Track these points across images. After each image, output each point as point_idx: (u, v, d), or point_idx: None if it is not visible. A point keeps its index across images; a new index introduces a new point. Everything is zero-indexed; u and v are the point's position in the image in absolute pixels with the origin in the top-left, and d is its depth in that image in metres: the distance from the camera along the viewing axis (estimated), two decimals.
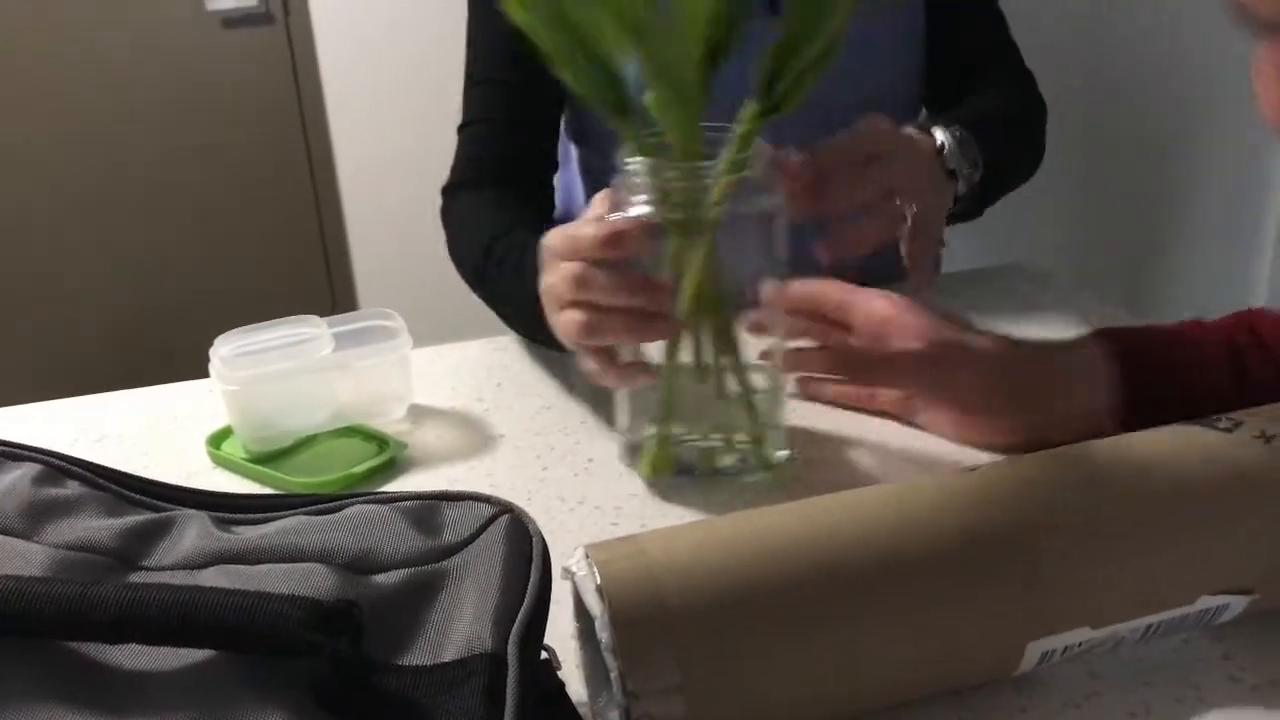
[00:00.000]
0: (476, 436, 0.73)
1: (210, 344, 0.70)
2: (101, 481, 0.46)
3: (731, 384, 0.62)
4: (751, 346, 0.63)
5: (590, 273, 0.58)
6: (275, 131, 2.64)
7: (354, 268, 2.78)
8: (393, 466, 0.69)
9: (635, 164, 0.59)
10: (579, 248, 0.59)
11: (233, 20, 2.53)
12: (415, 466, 0.69)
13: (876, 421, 0.71)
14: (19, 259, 2.61)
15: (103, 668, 0.37)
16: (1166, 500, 0.46)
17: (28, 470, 0.46)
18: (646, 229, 0.58)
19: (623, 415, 0.66)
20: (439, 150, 2.93)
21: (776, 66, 0.56)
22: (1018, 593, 0.44)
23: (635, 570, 0.42)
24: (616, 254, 0.58)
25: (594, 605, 0.41)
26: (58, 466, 0.47)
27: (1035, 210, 1.37)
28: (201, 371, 0.82)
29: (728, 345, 0.61)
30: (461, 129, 0.96)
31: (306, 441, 0.72)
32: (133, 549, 0.43)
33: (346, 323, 0.74)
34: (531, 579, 0.41)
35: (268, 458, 0.70)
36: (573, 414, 0.75)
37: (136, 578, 0.41)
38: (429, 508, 0.45)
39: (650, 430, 0.63)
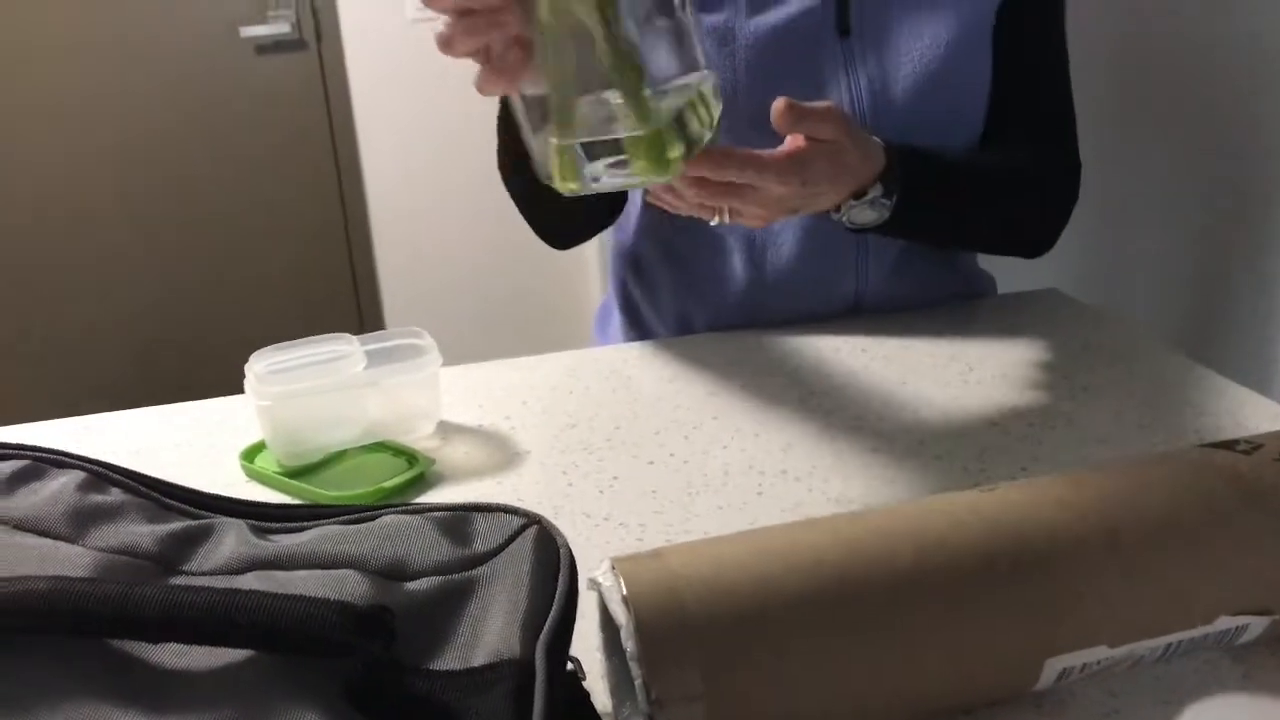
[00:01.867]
0: (503, 453, 0.74)
1: (237, 362, 0.72)
2: (143, 489, 0.48)
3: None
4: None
5: None
6: (306, 154, 2.68)
7: (381, 288, 2.81)
8: (421, 481, 0.70)
9: None
10: None
11: (266, 46, 2.58)
12: (443, 482, 0.70)
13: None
14: (51, 277, 2.66)
15: (146, 666, 0.38)
16: (1186, 521, 0.47)
17: (72, 477, 0.47)
18: None
19: (532, 141, 0.62)
20: (466, 175, 2.97)
21: None
22: (1037, 610, 0.44)
23: (660, 581, 0.43)
24: None
25: (620, 614, 0.42)
26: (101, 474, 0.48)
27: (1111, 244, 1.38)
28: (228, 389, 0.84)
29: (616, 26, 0.56)
30: None
31: (337, 456, 0.73)
32: (173, 554, 0.44)
33: (378, 341, 0.75)
34: (559, 588, 0.42)
35: (299, 472, 0.71)
36: (597, 432, 0.76)
37: (177, 582, 0.43)
38: (459, 518, 0.46)
39: (553, 138, 0.59)
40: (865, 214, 0.79)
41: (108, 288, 2.68)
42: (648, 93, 0.57)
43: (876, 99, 0.86)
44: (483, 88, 0.60)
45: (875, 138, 0.78)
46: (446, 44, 0.59)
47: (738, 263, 0.93)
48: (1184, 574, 0.46)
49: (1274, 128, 1.42)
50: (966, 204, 0.87)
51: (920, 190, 0.80)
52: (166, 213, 2.64)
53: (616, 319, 1.07)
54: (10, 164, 2.54)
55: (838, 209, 0.79)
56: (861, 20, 0.86)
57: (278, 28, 2.55)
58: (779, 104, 0.68)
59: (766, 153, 0.68)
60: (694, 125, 0.61)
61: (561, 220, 0.95)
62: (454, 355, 0.89)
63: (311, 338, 0.74)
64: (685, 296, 0.98)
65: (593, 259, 2.64)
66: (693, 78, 0.60)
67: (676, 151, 0.59)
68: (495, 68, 0.59)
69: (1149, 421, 0.73)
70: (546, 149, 0.60)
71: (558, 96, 0.58)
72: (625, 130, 0.58)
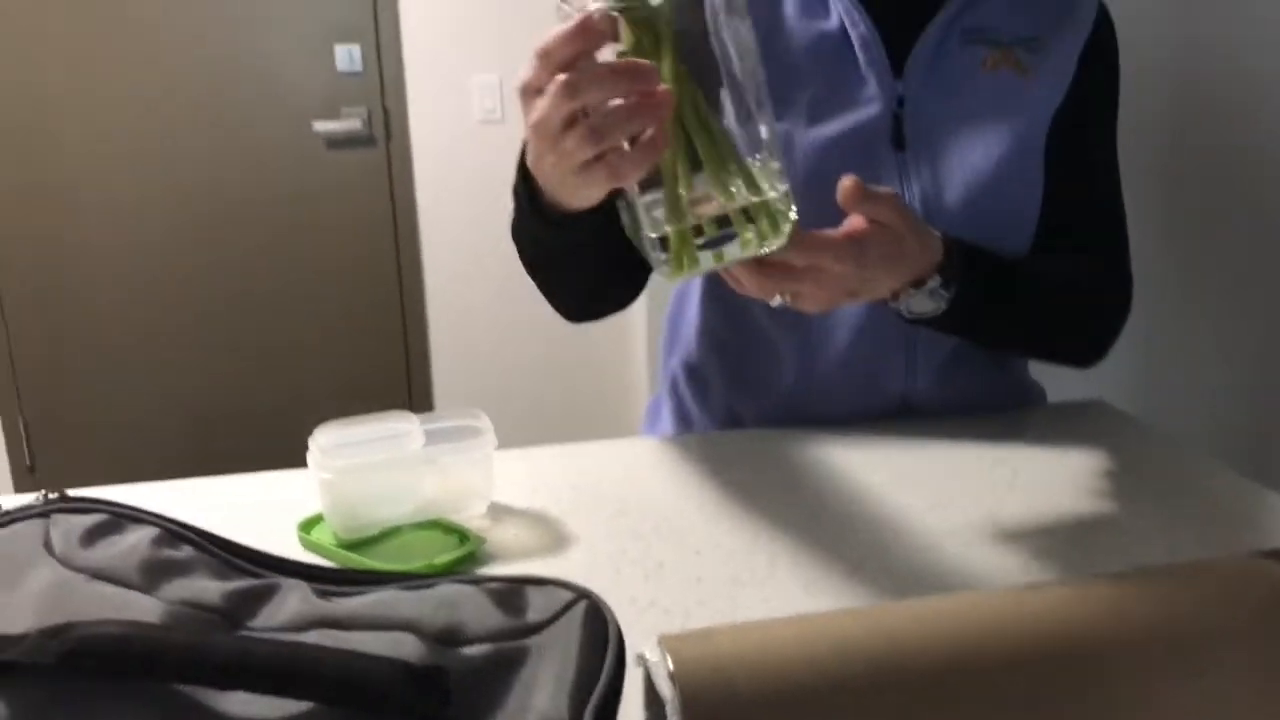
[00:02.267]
0: (552, 537, 0.75)
1: (289, 438, 0.74)
2: (212, 548, 0.50)
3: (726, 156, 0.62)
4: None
5: (574, 76, 0.57)
6: (369, 243, 2.77)
7: (433, 374, 2.87)
8: (472, 560, 0.72)
9: None
10: (550, 57, 0.58)
11: (337, 141, 2.68)
12: (493, 561, 0.72)
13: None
14: (115, 352, 2.74)
15: (213, 713, 0.40)
16: (1240, 628, 0.47)
17: (147, 532, 0.50)
18: (606, 21, 0.58)
19: (644, 226, 0.64)
20: (521, 270, 3.02)
21: None
22: (1084, 709, 0.44)
23: (706, 660, 0.43)
24: (589, 44, 0.57)
25: (666, 691, 0.43)
26: (174, 531, 0.50)
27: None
28: (280, 463, 0.86)
29: (714, 115, 0.61)
30: None
31: (392, 532, 0.75)
32: (239, 610, 0.46)
33: (436, 421, 0.77)
34: (607, 661, 0.44)
35: (355, 545, 0.73)
36: (646, 520, 0.77)
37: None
38: (513, 590, 0.47)
39: (668, 228, 0.62)
40: (924, 303, 0.80)
41: (168, 364, 2.76)
42: (757, 166, 0.62)
43: (930, 208, 0.89)
44: (623, 176, 0.60)
45: (935, 230, 0.80)
46: (598, 136, 0.58)
47: (789, 363, 0.95)
48: (1236, 686, 0.46)
49: None
50: (1023, 305, 0.88)
51: (978, 286, 0.82)
52: (230, 293, 2.73)
53: (666, 416, 1.09)
54: (86, 241, 2.65)
55: (896, 297, 0.80)
56: (916, 134, 0.89)
57: (350, 124, 2.66)
58: (846, 181, 0.69)
59: (825, 233, 0.70)
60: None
61: (580, 291, 0.95)
62: (502, 440, 0.91)
63: (372, 415, 0.77)
64: (736, 395, 0.99)
65: (641, 356, 2.67)
66: (775, 164, 0.64)
67: (788, 220, 0.63)
68: (633, 157, 0.59)
69: (1198, 534, 0.73)
70: (647, 233, 0.63)
71: (672, 181, 0.61)
72: (736, 204, 0.62)
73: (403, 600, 0.46)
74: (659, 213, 0.62)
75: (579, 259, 0.85)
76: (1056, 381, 1.08)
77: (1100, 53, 0.94)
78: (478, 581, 0.48)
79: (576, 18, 0.58)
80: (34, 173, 2.59)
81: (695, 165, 0.61)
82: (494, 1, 2.67)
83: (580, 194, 0.64)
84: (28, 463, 2.75)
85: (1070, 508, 0.77)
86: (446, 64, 2.69)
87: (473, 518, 0.77)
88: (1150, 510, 0.77)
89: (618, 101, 0.57)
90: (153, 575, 0.47)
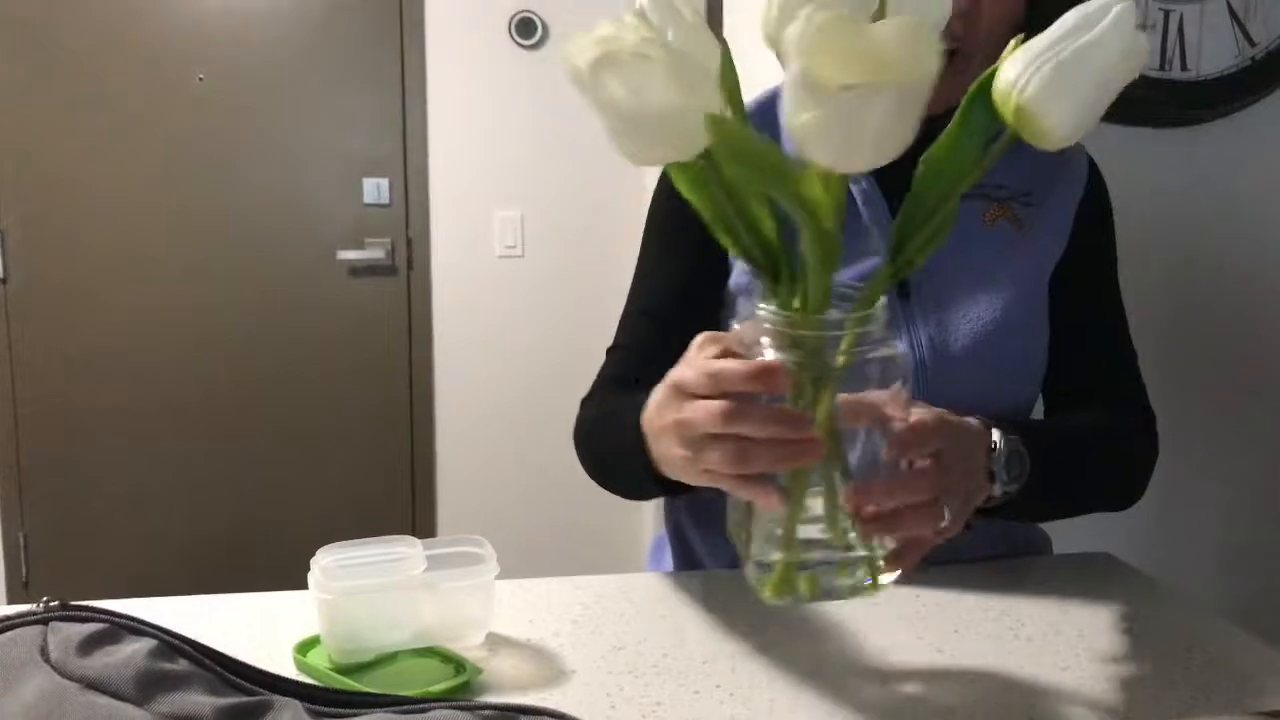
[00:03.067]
0: (549, 670, 0.74)
1: (290, 559, 0.74)
2: (208, 662, 0.50)
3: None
4: None
5: (741, 407, 0.61)
6: (384, 369, 2.81)
7: (438, 500, 2.86)
8: (468, 690, 0.71)
9: (774, 313, 0.64)
10: (723, 382, 0.62)
11: (359, 269, 2.75)
12: (488, 692, 0.71)
13: None
14: (130, 470, 2.74)
15: None
16: None
17: (145, 644, 0.49)
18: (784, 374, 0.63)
19: (756, 542, 0.67)
20: (532, 404, 3.05)
21: (903, 236, 0.63)
22: None
23: None
24: (767, 389, 0.62)
25: None
26: (171, 644, 0.50)
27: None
28: (283, 586, 0.86)
29: (846, 479, 0.65)
30: (611, 350, 1.02)
31: (388, 658, 0.74)
32: None
33: (440, 546, 0.78)
34: None
35: (349, 669, 0.72)
36: (645, 657, 0.76)
37: None
38: (506, 718, 0.47)
39: (776, 555, 0.66)
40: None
41: (177, 484, 2.76)
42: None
43: (936, 354, 0.90)
44: (744, 494, 0.64)
45: (973, 425, 0.78)
46: (742, 463, 0.62)
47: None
48: None
49: None
50: (1069, 472, 0.88)
51: (1033, 469, 0.81)
52: (243, 412, 2.75)
53: (669, 554, 1.09)
54: (103, 357, 2.69)
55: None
56: (920, 284, 0.92)
57: (373, 253, 2.73)
58: (887, 452, 0.67)
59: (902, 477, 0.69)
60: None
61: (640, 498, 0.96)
62: (505, 571, 0.91)
63: (375, 539, 0.77)
64: None
65: None
66: None
67: (888, 577, 0.67)
68: (763, 489, 0.63)
69: (1201, 692, 0.72)
70: (757, 555, 0.67)
71: (794, 518, 0.65)
72: (847, 553, 0.66)
73: None
74: (773, 539, 0.66)
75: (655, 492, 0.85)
76: (1063, 531, 1.08)
77: (1096, 207, 0.97)
78: (471, 707, 0.48)
79: (759, 362, 0.62)
80: (54, 289, 2.64)
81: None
82: (519, 139, 2.77)
83: (692, 481, 0.67)
84: (24, 578, 2.73)
85: (1074, 663, 0.76)
86: (471, 198, 2.78)
87: (470, 647, 0.77)
88: (1154, 667, 0.76)
89: (770, 434, 0.61)
90: (147, 687, 0.47)
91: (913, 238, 0.63)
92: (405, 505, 2.86)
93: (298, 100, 2.67)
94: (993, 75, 0.60)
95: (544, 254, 2.82)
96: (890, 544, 0.67)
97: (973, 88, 0.61)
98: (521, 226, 2.81)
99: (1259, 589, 1.48)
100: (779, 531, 0.66)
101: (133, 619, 0.51)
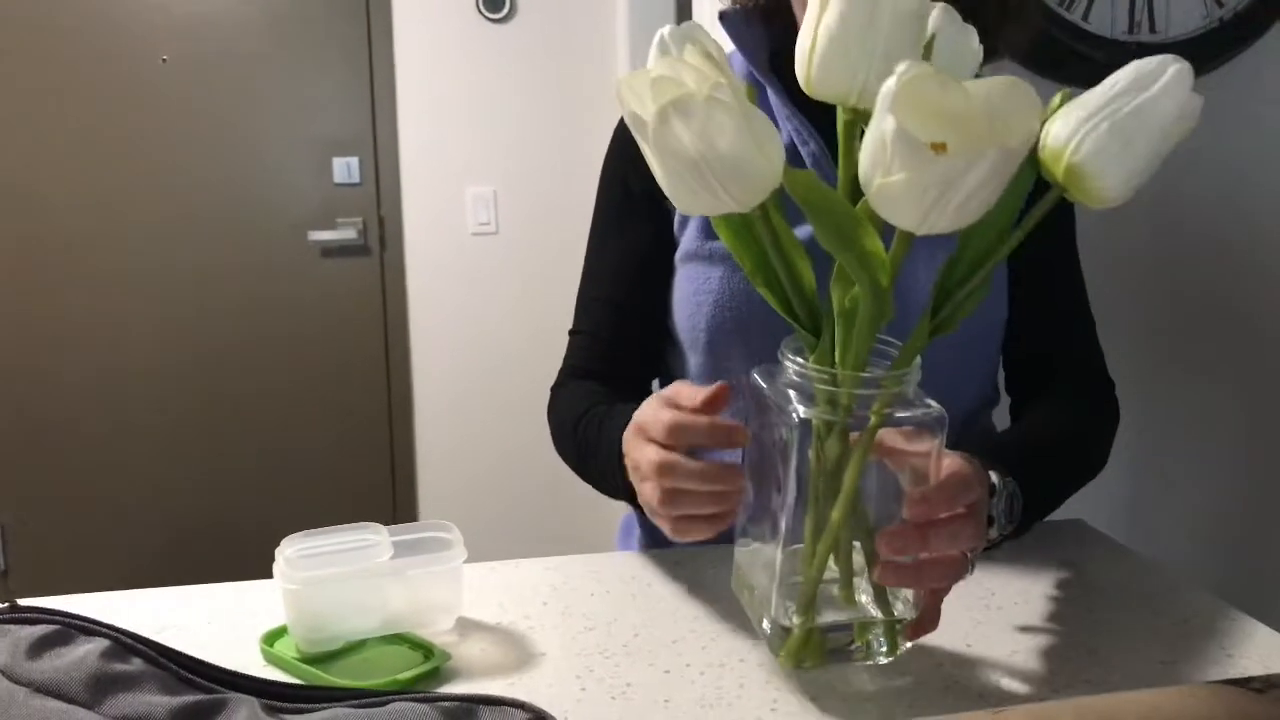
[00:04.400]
0: (519, 653, 0.74)
1: (272, 548, 0.74)
2: (163, 661, 0.49)
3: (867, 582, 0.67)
4: None
5: (672, 461, 0.68)
6: (359, 351, 2.79)
7: (419, 482, 2.85)
8: (436, 676, 0.70)
9: (807, 370, 0.64)
10: (682, 436, 0.68)
11: (331, 250, 2.72)
12: (458, 678, 0.70)
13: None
14: (102, 457, 2.72)
15: None
16: None
17: (97, 645, 0.49)
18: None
19: (774, 608, 0.67)
20: (509, 381, 3.04)
21: (943, 295, 0.63)
22: None
23: None
24: (728, 445, 0.67)
25: None
26: (125, 644, 0.50)
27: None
28: (259, 572, 0.85)
29: (866, 545, 0.65)
30: (572, 334, 1.04)
31: (356, 646, 0.74)
32: None
33: (407, 532, 0.77)
34: None
35: (317, 659, 0.72)
36: (615, 638, 0.76)
37: None
38: (466, 710, 0.46)
39: (793, 619, 0.66)
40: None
41: (152, 471, 2.74)
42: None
43: (891, 333, 0.90)
44: (682, 536, 0.70)
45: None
46: (671, 503, 0.69)
47: None
48: None
49: None
50: (1048, 498, 0.88)
51: (1028, 506, 0.80)
52: (219, 399, 2.73)
53: (637, 533, 1.09)
54: (73, 343, 2.66)
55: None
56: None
57: (344, 234, 2.70)
58: (916, 508, 0.64)
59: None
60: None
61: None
62: (484, 552, 0.90)
63: (342, 526, 0.76)
64: None
65: None
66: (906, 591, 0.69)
67: (904, 644, 0.68)
68: (695, 528, 0.70)
69: (1171, 659, 0.72)
70: (775, 618, 0.67)
71: (812, 584, 0.66)
72: (862, 617, 0.67)
73: (353, 718, 0.45)
74: (791, 604, 0.67)
75: None
76: None
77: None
78: (432, 699, 0.47)
79: (724, 423, 0.68)
80: (22, 273, 2.61)
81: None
82: (490, 114, 2.75)
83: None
84: (2, 567, 2.71)
85: (1045, 630, 0.77)
86: (442, 176, 2.75)
87: (440, 633, 0.76)
88: (1125, 633, 0.76)
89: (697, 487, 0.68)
90: (99, 690, 0.46)
91: (952, 296, 0.63)
92: (386, 488, 2.85)
93: (264, 80, 2.64)
94: None
95: (518, 230, 2.80)
96: (907, 606, 0.67)
97: None
98: (495, 203, 2.78)
99: (1231, 557, 1.50)
100: (796, 594, 0.66)
101: (85, 619, 0.51)
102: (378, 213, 2.74)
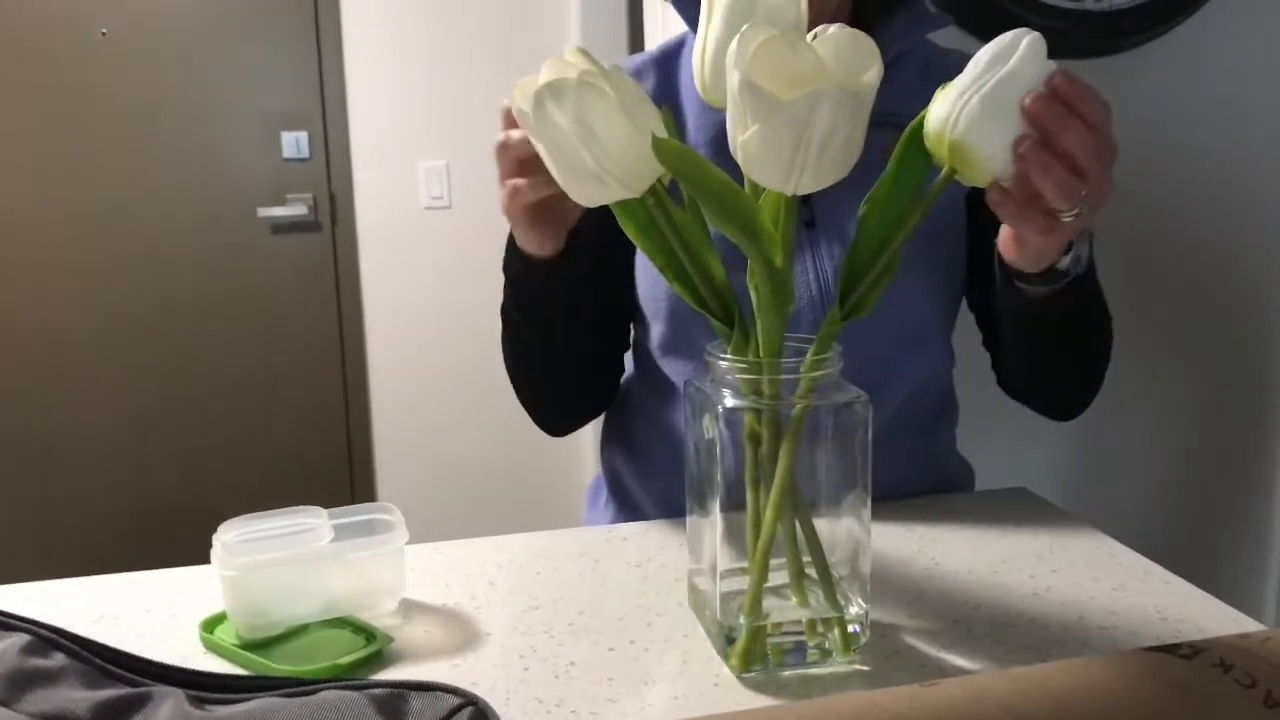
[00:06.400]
0: (463, 634, 0.74)
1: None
2: (85, 654, 0.48)
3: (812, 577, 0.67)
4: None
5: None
6: (313, 329, 2.75)
7: (376, 462, 2.83)
8: (378, 660, 0.70)
9: (729, 361, 0.65)
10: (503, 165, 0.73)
11: (282, 227, 2.68)
12: (400, 661, 0.70)
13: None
14: (50, 440, 2.68)
15: None
16: None
17: (17, 640, 0.48)
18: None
19: (721, 611, 0.68)
20: (466, 356, 3.03)
21: (850, 280, 0.63)
22: None
23: None
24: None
25: None
26: (46, 638, 0.49)
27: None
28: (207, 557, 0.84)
29: (811, 539, 0.66)
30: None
31: (297, 631, 0.73)
32: None
33: (348, 515, 0.76)
34: None
35: (258, 645, 0.71)
36: (560, 616, 0.76)
37: None
38: (397, 696, 0.46)
39: (740, 621, 0.66)
40: (1081, 249, 0.79)
41: (102, 454, 2.69)
42: (841, 582, 0.67)
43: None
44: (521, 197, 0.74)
45: None
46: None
47: None
48: None
49: (1268, 334, 1.45)
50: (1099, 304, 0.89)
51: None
52: (169, 379, 2.69)
53: (604, 496, 1.08)
54: (21, 320, 2.61)
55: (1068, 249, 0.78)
56: (824, 211, 0.91)
57: (295, 210, 2.66)
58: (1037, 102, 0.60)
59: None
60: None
61: (560, 403, 1.01)
62: (443, 532, 0.90)
63: (282, 510, 0.75)
64: (672, 476, 0.98)
65: (587, 438, 2.66)
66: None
67: (859, 643, 0.68)
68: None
69: (1110, 624, 0.73)
70: (720, 621, 0.67)
71: (758, 579, 0.65)
72: (812, 614, 0.67)
73: (281, 709, 0.45)
74: (736, 604, 0.67)
75: (559, 316, 0.92)
76: (984, 468, 1.09)
77: None
78: (362, 687, 0.46)
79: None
80: None
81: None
82: (441, 89, 2.71)
83: (518, 222, 0.79)
84: None
85: (989, 599, 0.77)
86: (393, 150, 2.72)
87: (383, 616, 0.75)
88: (1067, 599, 0.77)
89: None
90: (16, 686, 0.45)
91: (860, 280, 0.63)
92: (343, 469, 2.83)
93: (208, 53, 2.58)
94: (923, 120, 0.61)
95: (472, 204, 2.77)
96: (860, 606, 0.68)
97: (906, 132, 0.62)
98: (448, 176, 2.75)
99: (1175, 526, 1.52)
100: (742, 599, 0.66)
101: (4, 614, 0.50)
102: (328, 188, 2.70)
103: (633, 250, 0.97)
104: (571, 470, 2.86)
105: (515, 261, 0.87)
